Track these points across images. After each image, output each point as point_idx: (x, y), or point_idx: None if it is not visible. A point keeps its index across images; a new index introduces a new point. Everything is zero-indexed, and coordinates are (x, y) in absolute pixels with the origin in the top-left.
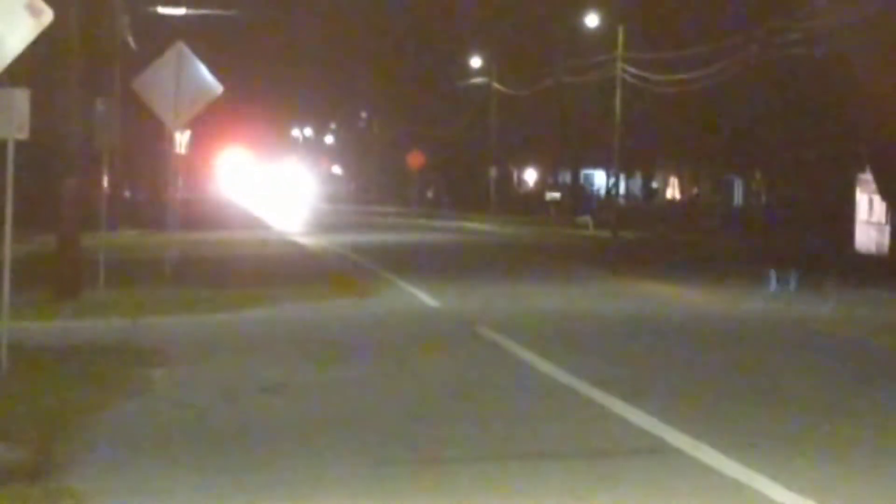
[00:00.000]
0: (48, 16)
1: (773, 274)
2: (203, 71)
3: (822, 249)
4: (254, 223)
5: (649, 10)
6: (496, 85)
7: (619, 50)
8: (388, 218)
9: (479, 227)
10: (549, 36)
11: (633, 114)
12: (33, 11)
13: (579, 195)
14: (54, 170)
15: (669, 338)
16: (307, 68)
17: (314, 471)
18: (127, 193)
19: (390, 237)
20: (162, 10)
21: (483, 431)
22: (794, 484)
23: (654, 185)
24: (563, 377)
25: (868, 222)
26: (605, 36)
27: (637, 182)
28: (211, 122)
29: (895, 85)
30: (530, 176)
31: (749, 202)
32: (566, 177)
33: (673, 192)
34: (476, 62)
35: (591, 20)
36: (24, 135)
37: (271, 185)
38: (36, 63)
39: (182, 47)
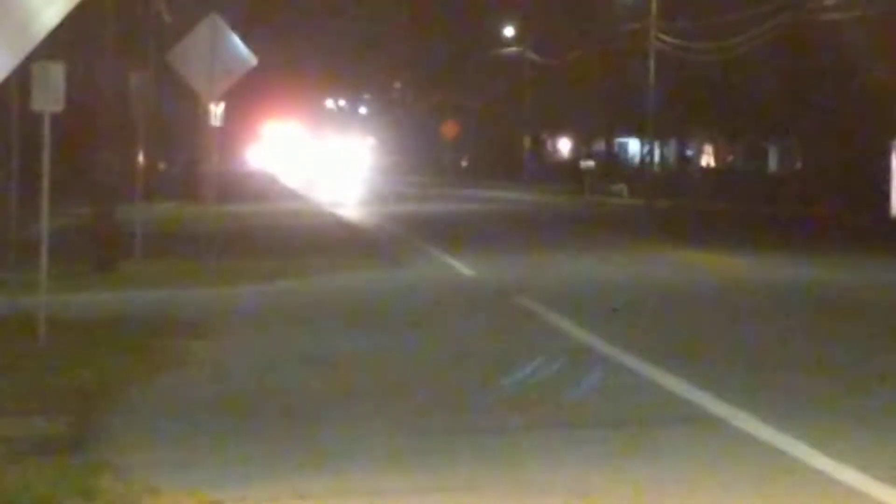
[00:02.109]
0: None
1: None
2: (237, 43)
3: (858, 217)
4: (290, 195)
5: None
6: (530, 54)
7: (653, 17)
8: (423, 189)
9: (514, 196)
10: (583, 4)
11: (667, 82)
12: None
13: (614, 164)
14: (89, 143)
15: (707, 305)
16: (340, 39)
17: (352, 441)
18: (162, 166)
19: (424, 207)
20: None
21: (520, 401)
22: (834, 451)
23: (689, 152)
24: (602, 346)
25: None
26: (638, 3)
27: (671, 150)
28: (246, 94)
29: None
30: (564, 145)
31: (784, 169)
32: (600, 145)
33: (708, 159)
34: (510, 31)
35: None
36: (59, 108)
37: (310, 157)
38: (71, 36)
39: (215, 19)
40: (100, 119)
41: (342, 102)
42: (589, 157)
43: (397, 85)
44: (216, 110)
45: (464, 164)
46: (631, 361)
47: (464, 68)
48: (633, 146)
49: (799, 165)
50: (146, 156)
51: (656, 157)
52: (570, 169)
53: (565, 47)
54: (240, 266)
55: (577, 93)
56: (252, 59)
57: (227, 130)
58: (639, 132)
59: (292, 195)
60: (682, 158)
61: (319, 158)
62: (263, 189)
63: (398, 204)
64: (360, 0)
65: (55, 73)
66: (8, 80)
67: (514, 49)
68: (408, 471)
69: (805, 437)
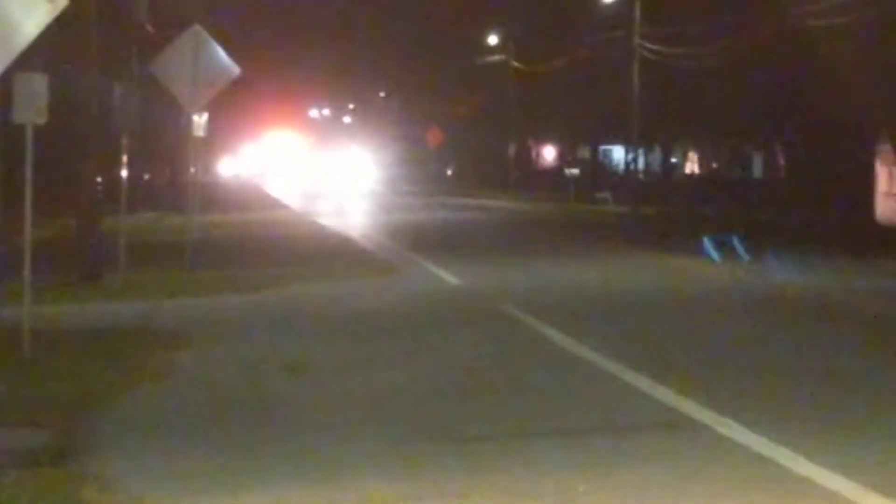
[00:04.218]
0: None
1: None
2: (220, 53)
3: (843, 221)
4: (274, 204)
5: None
6: (513, 62)
7: (637, 24)
8: (407, 197)
9: (499, 204)
10: (565, 11)
11: (651, 88)
12: None
13: (598, 171)
14: (73, 154)
15: (692, 312)
16: (324, 48)
17: (337, 450)
18: (146, 176)
19: (410, 216)
20: None
21: (506, 408)
22: (819, 457)
23: (674, 159)
24: (587, 353)
25: (888, 193)
26: (621, 10)
27: (656, 157)
28: (232, 104)
29: None
30: (549, 152)
31: (768, 175)
32: (585, 153)
33: (692, 166)
34: (493, 39)
35: None
36: (42, 119)
37: (305, 168)
38: (53, 47)
39: (198, 30)
40: (83, 130)
41: (326, 112)
42: (574, 164)
43: (382, 94)
44: (200, 120)
45: (449, 172)
46: (616, 368)
47: (448, 76)
48: (618, 153)
49: (783, 172)
50: (130, 166)
51: (641, 165)
52: (555, 176)
53: (548, 54)
54: (224, 276)
55: (560, 100)
56: (235, 69)
57: (212, 141)
58: (623, 139)
59: (276, 204)
60: (667, 165)
61: (315, 169)
62: (248, 199)
63: (383, 212)
64: (344, 10)
65: (38, 85)
66: None
67: (497, 57)
68: (395, 479)
69: (790, 444)
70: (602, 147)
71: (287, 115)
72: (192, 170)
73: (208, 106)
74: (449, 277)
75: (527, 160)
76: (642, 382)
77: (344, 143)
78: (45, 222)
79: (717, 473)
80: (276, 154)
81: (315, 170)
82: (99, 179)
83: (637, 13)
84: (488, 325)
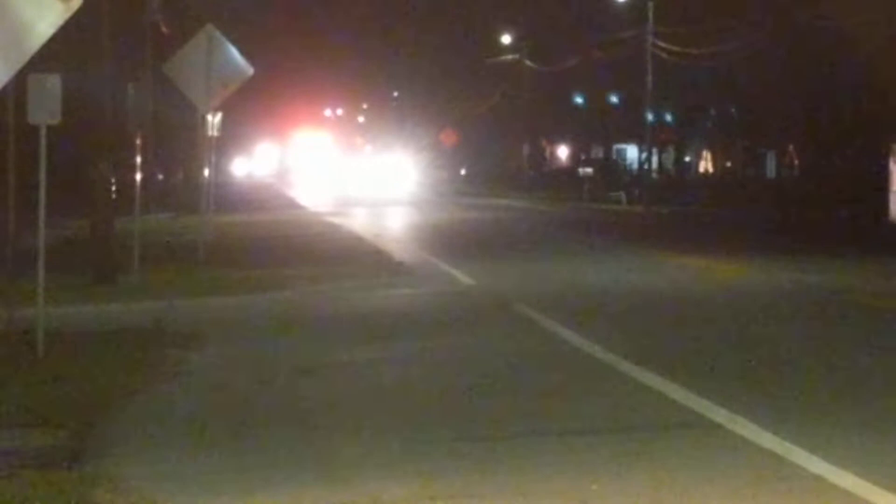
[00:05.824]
0: (77, 0)
1: None
2: (233, 53)
3: (856, 220)
4: (288, 204)
5: None
6: (527, 62)
7: (650, 24)
8: (421, 196)
9: (513, 204)
10: (579, 11)
11: (664, 88)
12: None
13: (612, 171)
14: (87, 155)
15: (705, 311)
16: (338, 48)
17: (351, 450)
18: (160, 176)
19: (423, 216)
20: None
21: (518, 408)
22: (833, 456)
23: (687, 159)
24: (600, 353)
25: None
26: (635, 10)
27: (670, 156)
28: (244, 104)
29: None
30: (563, 152)
31: (781, 174)
32: (599, 152)
33: (706, 165)
34: (507, 39)
35: None
36: (56, 120)
37: (317, 166)
38: (67, 48)
39: (212, 30)
40: (97, 131)
41: (340, 112)
42: (587, 164)
43: (395, 94)
44: (213, 120)
45: (462, 172)
46: (628, 367)
47: (461, 76)
48: (632, 152)
49: (796, 171)
50: (144, 167)
51: (654, 164)
52: (568, 176)
53: (562, 54)
54: (236, 277)
55: (574, 99)
56: (248, 70)
57: (225, 141)
58: (637, 139)
59: (289, 203)
60: (681, 165)
61: (340, 170)
62: (261, 199)
63: (396, 213)
64: (357, 10)
65: (52, 86)
66: (4, 92)
67: (511, 57)
68: (408, 479)
69: (803, 443)
70: (615, 146)
71: (301, 115)
72: (206, 170)
73: (222, 106)
74: (463, 277)
75: (540, 160)
76: (655, 382)
77: (362, 144)
78: (60, 223)
79: (730, 472)
80: (297, 154)
81: (339, 170)
82: (113, 180)
83: (651, 13)
84: (502, 325)
